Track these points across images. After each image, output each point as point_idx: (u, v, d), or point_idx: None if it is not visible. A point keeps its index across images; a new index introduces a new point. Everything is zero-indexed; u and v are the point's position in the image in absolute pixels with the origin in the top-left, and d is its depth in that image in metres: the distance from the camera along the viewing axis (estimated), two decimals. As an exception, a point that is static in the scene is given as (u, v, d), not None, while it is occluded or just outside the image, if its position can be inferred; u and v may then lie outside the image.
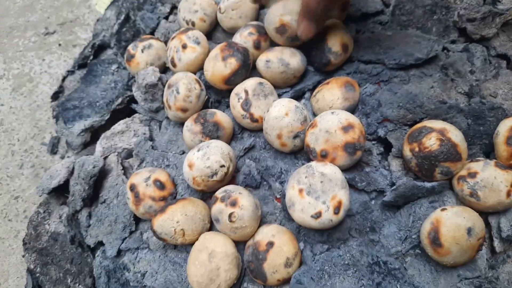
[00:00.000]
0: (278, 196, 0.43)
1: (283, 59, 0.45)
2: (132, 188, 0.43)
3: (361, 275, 0.38)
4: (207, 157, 0.40)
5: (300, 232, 0.41)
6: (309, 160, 0.42)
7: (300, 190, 0.38)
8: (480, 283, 0.37)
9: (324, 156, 0.39)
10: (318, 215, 0.37)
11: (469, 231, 0.35)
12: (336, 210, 0.37)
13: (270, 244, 0.38)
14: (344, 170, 0.41)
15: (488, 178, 0.37)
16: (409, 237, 0.40)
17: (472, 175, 0.38)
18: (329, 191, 0.37)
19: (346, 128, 0.39)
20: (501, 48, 0.47)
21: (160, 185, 0.43)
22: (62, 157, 0.61)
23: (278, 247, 0.38)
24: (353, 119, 0.40)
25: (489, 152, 0.42)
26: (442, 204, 0.40)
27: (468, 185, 0.38)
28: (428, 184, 0.39)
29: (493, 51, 0.47)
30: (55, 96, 0.63)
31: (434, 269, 0.38)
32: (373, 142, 0.43)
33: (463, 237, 0.35)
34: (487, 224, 0.39)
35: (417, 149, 0.39)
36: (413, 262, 0.39)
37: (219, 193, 0.40)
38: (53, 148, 0.62)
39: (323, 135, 0.40)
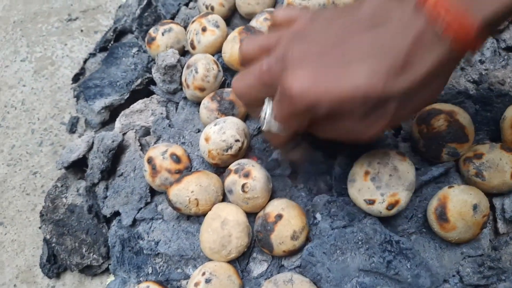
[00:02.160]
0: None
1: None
2: (150, 160, 0.45)
3: (372, 253, 0.39)
4: (223, 131, 0.42)
5: (318, 203, 0.42)
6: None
7: (366, 173, 0.38)
8: (483, 261, 0.39)
9: None
10: (371, 202, 0.38)
11: (475, 207, 0.37)
12: (390, 206, 0.37)
13: (279, 217, 0.39)
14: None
15: (493, 159, 0.39)
16: (415, 216, 0.41)
17: (478, 156, 0.39)
18: (393, 187, 0.37)
19: None
20: (511, 41, 0.48)
21: (176, 159, 0.45)
22: (80, 136, 0.63)
23: (286, 220, 0.39)
24: None
25: (496, 138, 0.43)
26: (448, 185, 0.41)
27: (474, 166, 0.39)
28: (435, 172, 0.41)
29: (503, 44, 0.48)
30: (76, 78, 0.65)
31: (439, 246, 0.40)
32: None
33: (469, 213, 0.37)
34: (492, 206, 0.41)
35: (425, 130, 0.40)
36: (418, 239, 0.40)
37: (232, 166, 0.42)
38: (72, 128, 0.64)
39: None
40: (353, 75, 0.28)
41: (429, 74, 0.28)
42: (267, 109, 0.33)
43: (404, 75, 0.28)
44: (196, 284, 0.38)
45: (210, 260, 0.41)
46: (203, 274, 0.38)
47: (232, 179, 0.41)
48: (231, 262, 0.41)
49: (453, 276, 0.39)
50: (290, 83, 0.29)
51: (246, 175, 0.40)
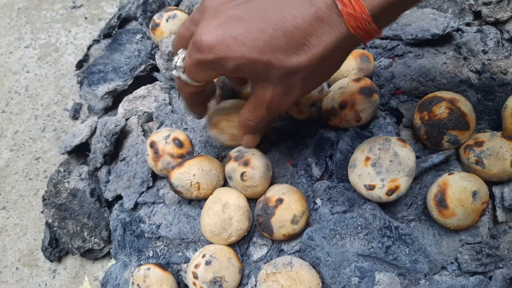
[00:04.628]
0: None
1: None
2: (152, 145, 0.45)
3: (371, 238, 0.39)
4: None
5: (319, 189, 0.42)
6: (326, 123, 0.44)
7: (367, 158, 0.39)
8: (481, 248, 0.39)
9: (343, 106, 0.41)
10: (371, 187, 0.38)
11: (474, 194, 0.37)
12: (390, 192, 0.38)
13: (280, 201, 0.40)
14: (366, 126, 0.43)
15: (494, 147, 0.39)
16: (414, 203, 0.41)
17: (479, 144, 0.40)
18: (393, 173, 0.38)
19: (358, 80, 0.42)
20: (514, 31, 0.48)
21: (179, 143, 0.46)
22: (83, 123, 0.63)
23: (287, 204, 0.39)
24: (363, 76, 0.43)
25: (497, 128, 0.43)
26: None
27: (474, 153, 0.39)
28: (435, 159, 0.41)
29: (506, 34, 0.48)
30: (80, 64, 0.66)
31: (437, 233, 0.40)
32: (386, 112, 0.45)
33: (468, 200, 0.37)
34: (491, 195, 0.41)
35: (427, 117, 0.41)
36: (417, 226, 0.40)
37: (233, 153, 0.42)
38: (75, 114, 0.64)
39: (338, 91, 0.42)
40: (254, 40, 0.29)
41: (326, 52, 0.29)
42: (180, 56, 0.34)
43: (302, 52, 0.29)
44: (197, 266, 0.38)
45: (210, 243, 0.41)
46: (204, 256, 0.39)
47: (232, 166, 0.41)
48: (231, 246, 0.41)
49: (451, 263, 0.39)
50: (200, 34, 0.30)
51: (246, 164, 0.41)
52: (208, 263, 0.38)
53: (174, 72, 0.35)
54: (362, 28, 0.28)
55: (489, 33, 0.48)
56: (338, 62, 0.34)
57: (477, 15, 0.50)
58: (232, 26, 0.30)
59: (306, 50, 0.29)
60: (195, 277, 0.38)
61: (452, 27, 0.46)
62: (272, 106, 0.34)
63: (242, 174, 0.41)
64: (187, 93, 0.38)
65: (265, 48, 0.29)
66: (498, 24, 0.49)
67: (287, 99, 0.34)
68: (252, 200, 0.43)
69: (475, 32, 0.48)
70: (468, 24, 0.50)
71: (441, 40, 0.47)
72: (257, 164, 0.41)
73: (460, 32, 0.49)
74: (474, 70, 0.46)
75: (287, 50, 0.29)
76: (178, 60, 0.34)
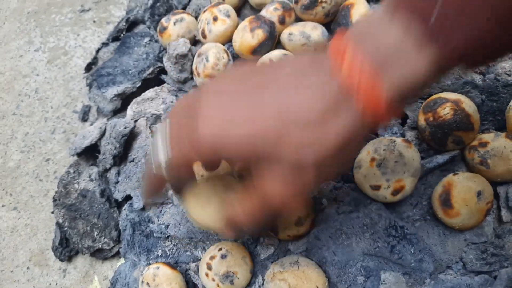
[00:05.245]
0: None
1: (305, 32, 0.48)
2: (160, 146, 0.46)
3: (377, 237, 0.40)
4: None
5: (325, 190, 0.43)
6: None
7: (373, 159, 0.39)
8: (486, 248, 0.39)
9: None
10: (376, 188, 0.39)
11: (479, 194, 0.37)
12: (395, 192, 0.39)
13: None
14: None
15: (498, 147, 0.39)
16: (419, 203, 0.42)
17: (483, 144, 0.40)
18: (398, 173, 0.38)
19: None
20: (519, 33, 0.49)
21: (187, 145, 0.46)
22: (92, 124, 0.64)
23: None
24: None
25: (501, 129, 0.44)
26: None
27: (478, 154, 0.40)
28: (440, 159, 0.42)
29: (510, 36, 0.49)
30: (88, 67, 0.67)
31: (442, 233, 0.40)
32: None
33: (473, 200, 0.37)
34: (496, 195, 0.41)
35: (431, 118, 0.41)
36: (422, 225, 0.41)
37: None
38: (84, 116, 0.65)
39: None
40: (264, 118, 0.27)
41: (342, 143, 0.27)
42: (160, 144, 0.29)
43: (316, 144, 0.27)
44: (212, 258, 0.39)
45: (219, 241, 0.42)
46: (220, 249, 0.40)
47: None
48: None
49: (456, 262, 0.40)
50: (200, 127, 0.27)
51: None
52: (223, 256, 0.39)
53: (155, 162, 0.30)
54: (378, 115, 0.26)
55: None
56: (353, 150, 0.31)
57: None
58: (233, 118, 0.27)
59: (320, 142, 0.27)
60: (209, 268, 0.39)
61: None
62: (276, 200, 0.29)
63: None
64: (157, 187, 0.34)
65: (277, 124, 0.26)
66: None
67: (297, 188, 0.29)
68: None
69: (479, 34, 0.48)
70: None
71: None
72: None
73: (464, 33, 0.49)
74: (479, 71, 0.46)
75: (302, 126, 0.26)
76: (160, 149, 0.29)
